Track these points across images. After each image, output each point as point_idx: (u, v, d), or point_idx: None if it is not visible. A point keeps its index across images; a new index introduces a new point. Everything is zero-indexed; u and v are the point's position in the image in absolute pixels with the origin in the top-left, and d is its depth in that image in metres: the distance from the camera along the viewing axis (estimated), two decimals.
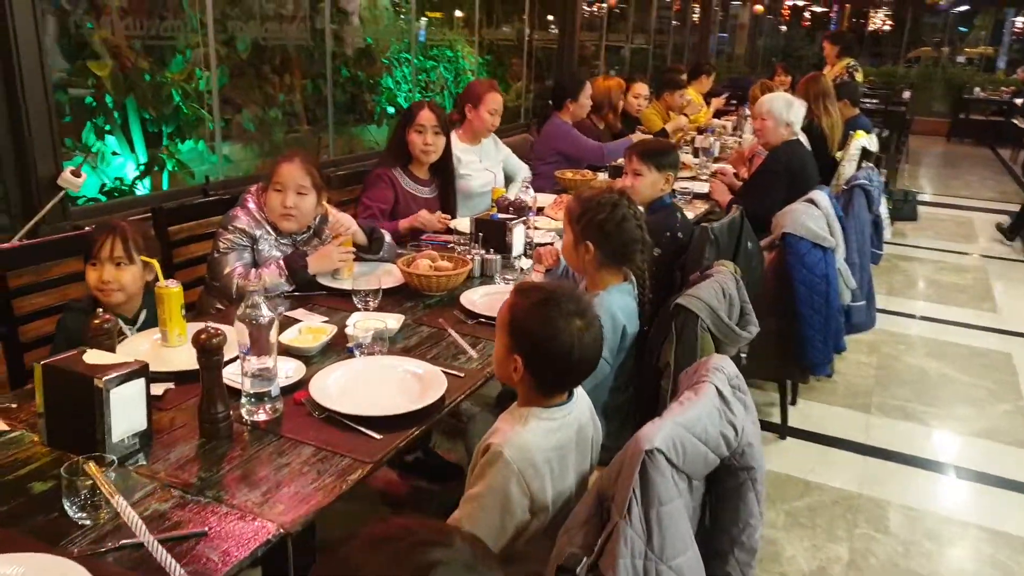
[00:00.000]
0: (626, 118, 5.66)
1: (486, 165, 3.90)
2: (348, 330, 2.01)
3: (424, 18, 5.59)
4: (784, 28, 16.64)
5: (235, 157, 4.01)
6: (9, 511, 1.37)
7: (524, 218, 2.94)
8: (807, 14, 15.51)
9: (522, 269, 2.67)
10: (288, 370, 1.86)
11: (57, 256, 2.33)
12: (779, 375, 3.38)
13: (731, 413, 1.45)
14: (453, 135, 3.86)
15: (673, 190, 4.17)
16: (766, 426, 3.51)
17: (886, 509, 2.96)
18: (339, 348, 2.05)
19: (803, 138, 4.76)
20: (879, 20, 17.67)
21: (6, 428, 1.62)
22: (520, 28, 6.40)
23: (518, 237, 2.78)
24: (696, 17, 11.84)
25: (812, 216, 3.10)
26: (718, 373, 1.46)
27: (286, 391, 1.79)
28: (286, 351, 1.96)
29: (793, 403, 3.69)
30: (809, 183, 4.11)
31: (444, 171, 3.37)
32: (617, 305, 2.06)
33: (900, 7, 17.22)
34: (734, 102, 9.16)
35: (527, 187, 3.50)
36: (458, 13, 5.88)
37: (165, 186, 3.63)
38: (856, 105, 6.10)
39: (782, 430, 3.43)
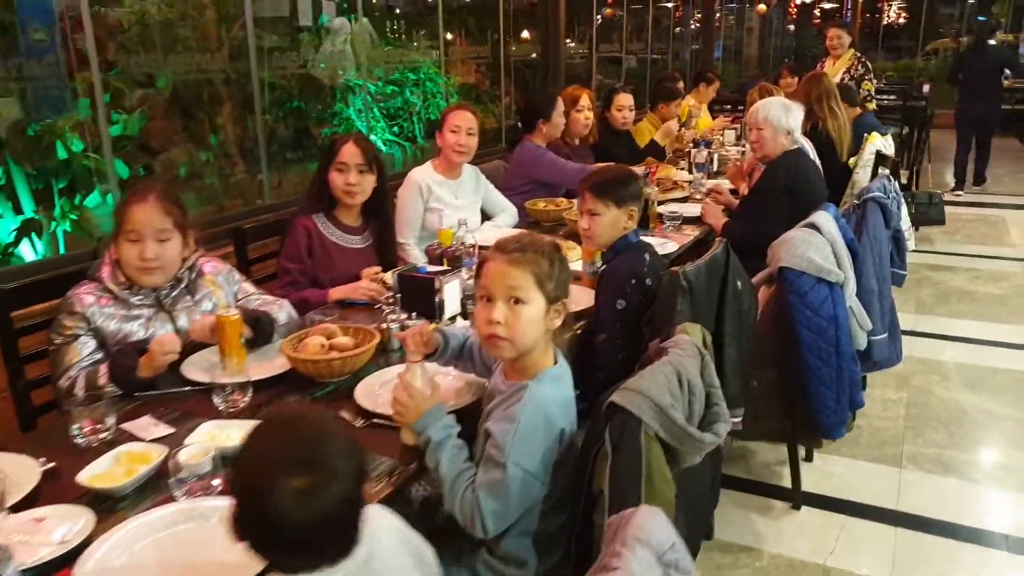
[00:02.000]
0: (615, 134, 5.16)
1: (462, 203, 3.44)
2: (175, 457, 1.45)
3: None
4: (792, 28, 16.03)
5: None
6: None
7: (460, 269, 2.45)
8: (816, 12, 14.91)
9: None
10: (66, 530, 1.31)
11: None
12: (786, 436, 2.84)
13: None
14: (428, 165, 3.44)
15: (660, 215, 3.69)
16: (776, 492, 2.97)
17: None
18: (163, 484, 1.48)
19: (807, 146, 4.25)
20: (893, 13, 17.01)
21: None
22: (496, 44, 5.93)
23: (451, 296, 2.28)
24: (696, 22, 11.33)
25: (814, 245, 2.57)
26: (640, 548, 0.95)
27: (53, 567, 1.25)
28: (86, 493, 1.44)
29: (808, 459, 3.15)
30: (815, 199, 3.59)
31: (379, 215, 2.89)
32: (551, 399, 1.55)
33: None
34: (741, 108, 8.64)
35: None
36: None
37: (62, 250, 3.19)
38: (856, 105, 5.53)
39: (795, 496, 2.89)
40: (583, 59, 7.66)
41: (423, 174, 3.36)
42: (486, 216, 3.68)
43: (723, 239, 2.45)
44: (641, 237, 2.49)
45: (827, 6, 14.97)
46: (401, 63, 5.10)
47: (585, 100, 4.60)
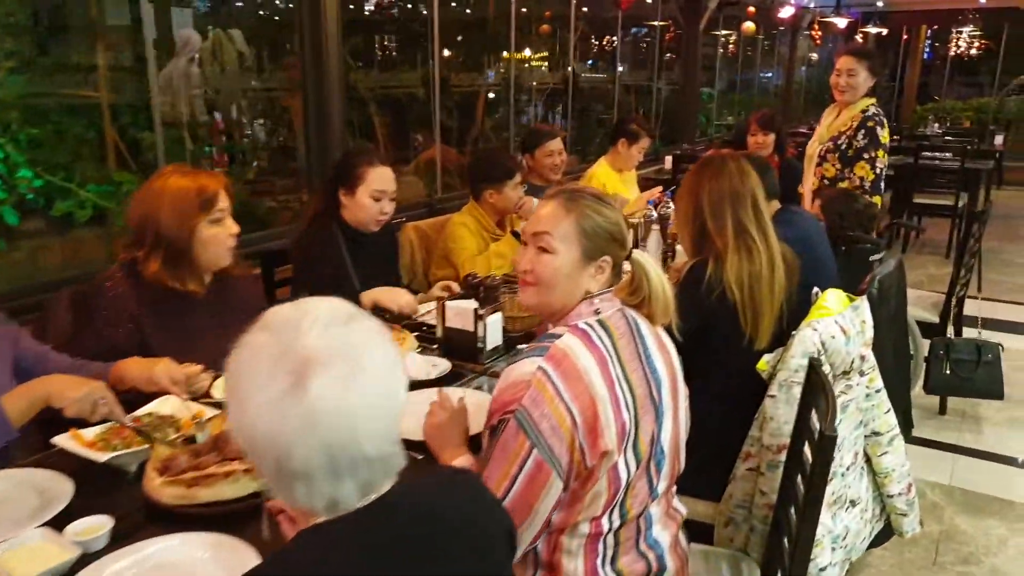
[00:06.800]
0: None
1: None
2: None
3: None
4: (814, 56, 13.04)
5: None
6: None
7: None
8: (858, 38, 11.90)
9: None
10: None
11: None
12: None
13: None
14: None
15: None
16: None
17: None
18: None
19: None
20: (963, 42, 13.97)
21: None
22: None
23: None
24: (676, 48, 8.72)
25: None
26: None
27: None
28: None
29: None
30: None
31: None
32: None
33: (993, 24, 13.57)
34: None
35: None
36: None
37: None
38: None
39: None
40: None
41: None
42: None
43: None
44: None
45: (874, 30, 11.94)
46: None
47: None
